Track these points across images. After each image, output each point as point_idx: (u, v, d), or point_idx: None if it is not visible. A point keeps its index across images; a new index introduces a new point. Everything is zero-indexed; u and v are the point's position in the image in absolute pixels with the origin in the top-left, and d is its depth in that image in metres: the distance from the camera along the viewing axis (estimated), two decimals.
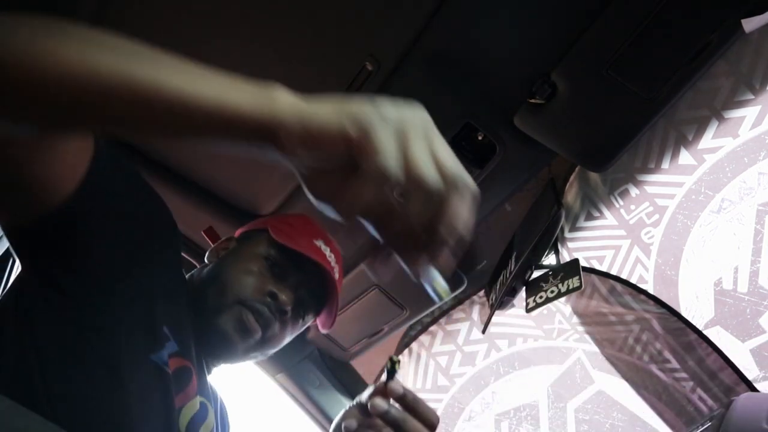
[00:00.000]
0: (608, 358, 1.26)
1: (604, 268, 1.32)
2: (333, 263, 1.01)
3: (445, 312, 1.69)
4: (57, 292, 0.73)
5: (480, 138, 1.09)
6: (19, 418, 0.40)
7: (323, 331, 1.07)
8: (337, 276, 1.01)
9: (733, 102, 1.09)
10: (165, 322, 0.82)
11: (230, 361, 0.97)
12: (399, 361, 0.73)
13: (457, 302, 1.65)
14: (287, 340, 0.99)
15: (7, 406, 0.41)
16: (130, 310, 0.78)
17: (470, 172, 1.14)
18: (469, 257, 1.37)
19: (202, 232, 1.17)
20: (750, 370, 1.06)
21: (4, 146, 0.57)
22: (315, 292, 0.99)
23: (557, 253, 1.31)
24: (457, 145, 1.09)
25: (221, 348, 0.92)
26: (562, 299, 1.29)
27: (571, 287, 1.17)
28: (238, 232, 1.09)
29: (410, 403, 0.74)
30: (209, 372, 0.97)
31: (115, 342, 0.74)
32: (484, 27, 0.97)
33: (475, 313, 1.62)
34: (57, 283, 0.73)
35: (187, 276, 1.00)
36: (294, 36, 1.04)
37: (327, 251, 1.01)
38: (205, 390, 0.90)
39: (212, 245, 1.07)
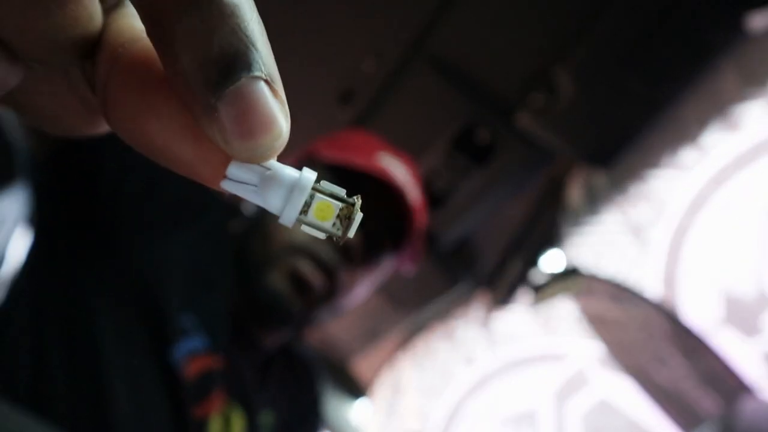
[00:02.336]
0: (610, 361, 1.26)
1: (606, 268, 1.31)
2: (406, 180, 0.77)
3: (445, 311, 1.68)
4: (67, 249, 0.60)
5: (480, 138, 1.08)
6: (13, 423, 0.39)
7: (408, 270, 0.83)
8: (415, 195, 0.77)
9: (739, 99, 1.09)
10: (184, 307, 0.65)
11: (293, 330, 0.76)
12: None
13: (458, 301, 1.65)
14: (363, 289, 0.77)
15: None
16: (128, 284, 0.63)
17: (470, 172, 1.15)
18: (470, 256, 1.37)
19: None
20: (756, 372, 1.06)
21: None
22: (387, 220, 0.75)
23: (559, 252, 1.31)
24: (457, 145, 1.08)
25: (277, 312, 0.71)
26: (563, 300, 1.28)
27: (572, 287, 1.17)
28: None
29: None
30: (259, 362, 0.76)
31: (102, 325, 0.60)
32: (485, 27, 0.96)
33: (476, 312, 1.61)
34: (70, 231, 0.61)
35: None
36: (296, 34, 1.03)
37: (396, 166, 0.76)
38: (243, 392, 0.70)
39: None
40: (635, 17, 0.88)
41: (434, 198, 1.22)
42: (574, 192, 1.30)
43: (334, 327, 1.52)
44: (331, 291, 0.72)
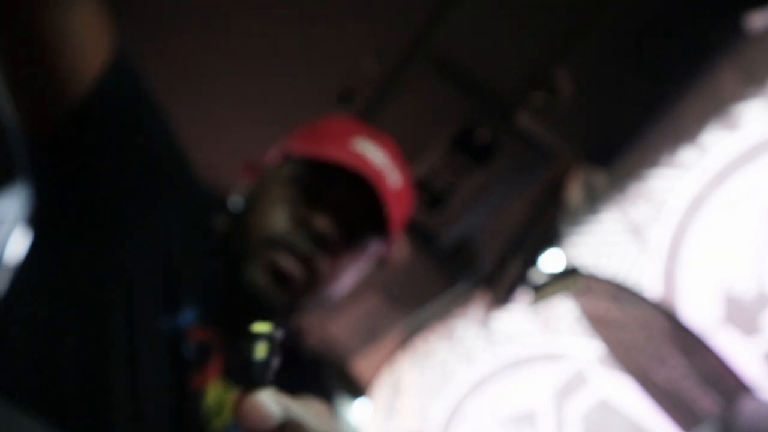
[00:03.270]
0: (610, 361, 1.26)
1: (606, 267, 1.31)
2: (383, 164, 0.76)
3: (444, 311, 1.68)
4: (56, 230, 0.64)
5: (480, 138, 1.08)
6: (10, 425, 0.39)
7: (393, 255, 0.82)
8: (395, 178, 0.77)
9: (738, 99, 1.09)
10: (182, 282, 0.68)
11: (281, 322, 0.75)
12: (269, 338, 0.31)
13: (458, 301, 1.65)
14: (350, 275, 0.77)
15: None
16: (129, 258, 0.66)
17: (470, 172, 1.15)
18: (470, 256, 1.37)
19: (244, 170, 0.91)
20: (755, 372, 1.06)
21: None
22: (366, 207, 0.74)
23: (558, 252, 1.31)
24: (457, 145, 1.08)
25: (257, 305, 0.71)
26: (563, 299, 1.28)
27: (572, 287, 1.17)
28: (271, 157, 0.86)
29: None
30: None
31: (105, 299, 0.63)
32: (485, 26, 0.96)
33: (476, 312, 1.61)
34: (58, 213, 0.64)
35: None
36: (296, 33, 1.03)
37: (373, 150, 0.76)
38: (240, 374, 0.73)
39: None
40: (635, 17, 0.88)
41: (434, 198, 1.22)
42: (574, 192, 1.30)
43: (334, 327, 1.52)
44: (312, 281, 0.72)
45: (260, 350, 0.29)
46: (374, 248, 0.78)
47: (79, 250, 0.67)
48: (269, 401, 0.31)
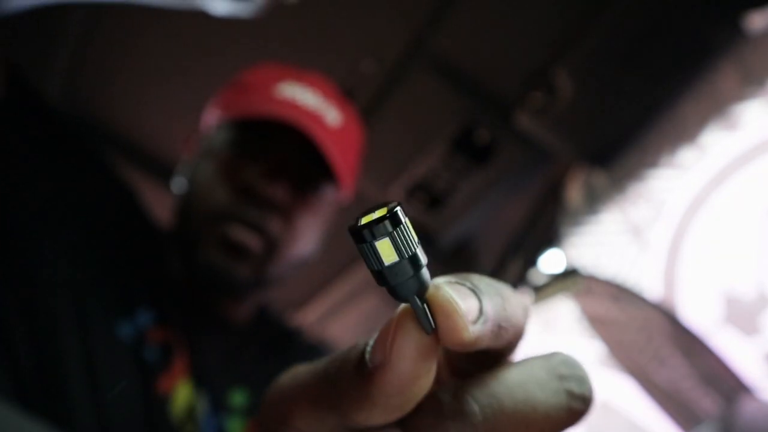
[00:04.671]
0: (610, 361, 1.26)
1: (606, 268, 1.31)
2: (317, 104, 0.70)
3: None
4: None
5: (480, 138, 1.08)
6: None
7: (345, 196, 0.78)
8: (332, 116, 0.71)
9: (738, 99, 1.09)
10: (137, 283, 0.65)
11: (253, 295, 0.73)
12: (392, 223, 0.19)
13: None
14: (311, 230, 0.72)
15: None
16: (77, 265, 0.63)
17: (470, 172, 1.15)
18: (470, 256, 1.37)
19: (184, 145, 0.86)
20: (755, 372, 1.06)
21: None
22: (308, 155, 0.69)
23: (558, 252, 1.31)
24: (457, 145, 1.08)
25: (222, 285, 0.68)
26: (563, 300, 1.28)
27: (571, 288, 1.17)
28: (201, 128, 0.80)
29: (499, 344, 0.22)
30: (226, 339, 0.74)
31: (52, 309, 0.60)
32: (484, 26, 0.96)
33: None
34: None
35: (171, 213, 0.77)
36: (296, 34, 1.03)
37: (302, 92, 0.70)
38: (206, 371, 0.67)
39: None
40: (635, 17, 0.88)
41: (434, 198, 1.22)
42: (574, 192, 1.30)
43: (334, 327, 1.52)
44: (271, 248, 0.68)
45: (385, 251, 0.19)
46: (329, 195, 0.74)
47: (8, 262, 0.63)
48: (455, 292, 0.20)
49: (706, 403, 1.01)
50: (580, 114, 0.96)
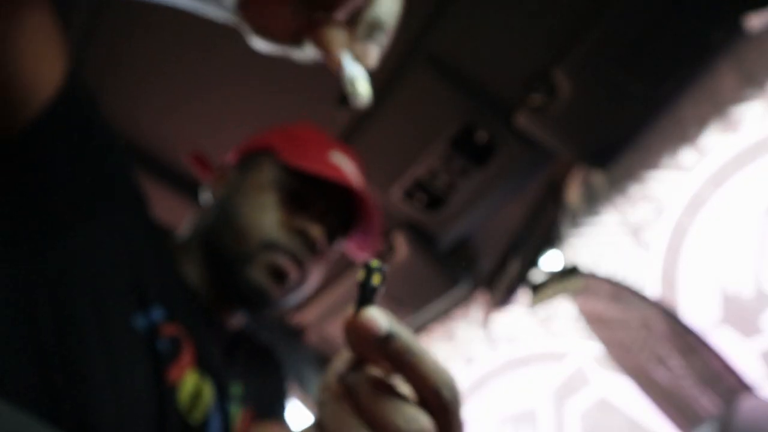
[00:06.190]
0: (610, 360, 1.26)
1: (605, 268, 1.32)
2: (355, 175, 0.87)
3: (445, 311, 1.68)
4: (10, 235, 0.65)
5: (480, 138, 1.08)
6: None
7: (365, 254, 0.92)
8: (363, 188, 0.87)
9: (738, 100, 1.09)
10: (150, 281, 0.72)
11: (263, 312, 0.85)
12: (381, 270, 0.36)
13: (458, 302, 1.65)
14: (318, 275, 0.88)
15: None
16: (96, 260, 0.69)
17: (470, 172, 1.15)
18: (470, 256, 1.37)
19: (190, 159, 0.96)
20: (754, 372, 1.06)
21: None
22: (343, 215, 0.86)
23: (558, 252, 1.31)
24: (457, 145, 1.09)
25: (257, 301, 0.80)
26: (563, 300, 1.29)
27: (571, 287, 1.17)
28: (234, 156, 0.91)
29: (405, 361, 0.35)
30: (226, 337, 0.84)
31: (73, 300, 0.66)
32: (484, 27, 0.96)
33: (476, 312, 1.61)
34: (12, 218, 0.66)
35: (192, 225, 0.87)
36: None
37: (344, 162, 0.87)
38: (211, 363, 0.76)
39: (204, 176, 0.93)
40: (635, 17, 0.88)
41: (434, 198, 1.22)
42: (574, 192, 1.30)
43: (334, 327, 1.52)
44: (302, 278, 0.83)
45: (376, 279, 0.35)
46: (339, 249, 0.90)
47: (36, 255, 0.67)
48: (380, 314, 0.35)
49: (705, 401, 1.01)
50: (579, 114, 0.96)
